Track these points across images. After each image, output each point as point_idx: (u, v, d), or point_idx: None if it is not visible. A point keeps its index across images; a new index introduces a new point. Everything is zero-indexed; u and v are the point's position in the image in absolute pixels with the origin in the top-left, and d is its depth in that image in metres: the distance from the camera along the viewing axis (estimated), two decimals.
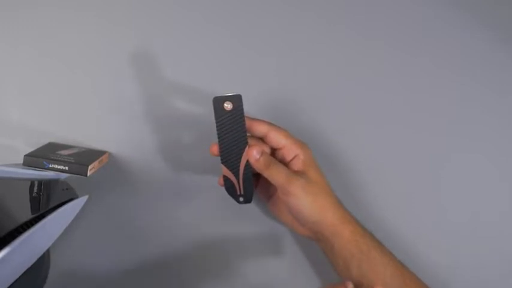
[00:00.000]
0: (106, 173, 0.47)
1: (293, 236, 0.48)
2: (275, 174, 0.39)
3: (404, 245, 0.46)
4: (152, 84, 0.48)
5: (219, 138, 0.39)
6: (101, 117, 0.48)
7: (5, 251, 0.31)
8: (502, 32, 0.49)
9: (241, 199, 0.42)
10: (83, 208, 0.43)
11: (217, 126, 0.39)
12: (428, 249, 0.47)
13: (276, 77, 0.49)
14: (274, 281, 0.48)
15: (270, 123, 0.41)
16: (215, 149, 0.40)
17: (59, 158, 0.42)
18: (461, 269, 0.47)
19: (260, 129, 0.40)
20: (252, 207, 0.48)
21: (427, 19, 0.49)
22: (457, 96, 0.49)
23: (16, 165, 0.41)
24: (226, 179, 0.41)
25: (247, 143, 0.39)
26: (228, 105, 0.38)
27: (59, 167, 0.41)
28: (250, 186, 0.41)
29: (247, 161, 0.40)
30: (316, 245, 0.43)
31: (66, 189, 0.45)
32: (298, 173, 0.40)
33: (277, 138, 0.40)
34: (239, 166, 0.40)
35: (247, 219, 0.48)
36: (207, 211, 0.48)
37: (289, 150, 0.41)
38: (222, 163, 0.40)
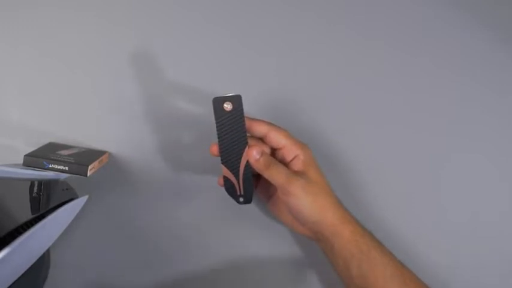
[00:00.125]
0: (106, 173, 0.47)
1: (293, 236, 0.48)
2: (275, 175, 0.39)
3: (404, 245, 0.46)
4: (152, 84, 0.48)
5: (219, 138, 0.39)
6: (101, 117, 0.48)
7: (5, 251, 0.31)
8: (502, 32, 0.49)
9: (241, 199, 0.42)
10: (83, 208, 0.43)
11: (217, 127, 0.39)
12: (428, 249, 0.47)
13: (276, 77, 0.49)
14: (274, 281, 0.48)
15: (270, 123, 0.41)
16: (215, 149, 0.40)
17: (59, 158, 0.42)
18: (461, 269, 0.47)
19: (260, 129, 0.40)
20: (252, 207, 0.48)
21: (427, 19, 0.49)
22: (457, 96, 0.49)
23: (16, 165, 0.41)
24: (226, 179, 0.41)
25: (247, 143, 0.39)
26: (227, 106, 0.38)
27: (59, 167, 0.41)
28: (250, 187, 0.41)
29: (247, 161, 0.40)
30: (316, 245, 0.43)
31: (66, 189, 0.45)
32: (298, 173, 0.40)
33: (277, 139, 0.40)
34: (239, 166, 0.40)
35: (247, 219, 0.48)
36: (207, 211, 0.48)
37: (289, 150, 0.41)
38: (222, 163, 0.40)
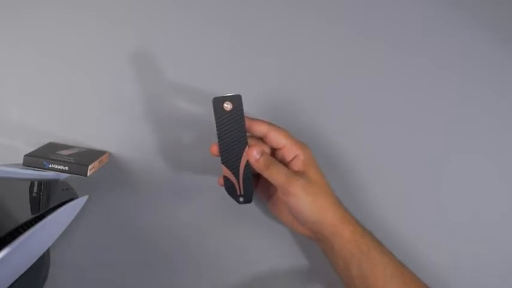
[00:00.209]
0: (106, 173, 0.47)
1: (293, 236, 0.48)
2: (275, 175, 0.39)
3: (404, 245, 0.46)
4: (152, 84, 0.48)
5: (219, 138, 0.39)
6: (101, 117, 0.48)
7: (5, 251, 0.31)
8: (502, 32, 0.49)
9: (241, 199, 0.42)
10: (83, 208, 0.43)
11: (217, 127, 0.39)
12: (428, 249, 0.47)
13: (276, 77, 0.49)
14: (274, 281, 0.48)
15: (270, 123, 0.41)
16: (215, 149, 0.40)
17: (59, 158, 0.42)
18: (461, 269, 0.47)
19: (260, 129, 0.40)
20: (252, 207, 0.48)
21: (427, 19, 0.49)
22: (457, 96, 0.49)
23: (16, 165, 0.41)
24: (226, 179, 0.41)
25: (247, 143, 0.39)
26: (227, 106, 0.38)
27: (59, 167, 0.41)
28: (250, 187, 0.41)
29: (247, 161, 0.40)
30: (316, 245, 0.43)
31: (66, 189, 0.45)
32: (298, 173, 0.40)
33: (277, 138, 0.40)
34: (239, 166, 0.40)
35: (247, 219, 0.48)
36: (207, 211, 0.48)
37: (289, 150, 0.41)
38: (222, 163, 0.40)
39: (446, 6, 0.49)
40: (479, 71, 0.49)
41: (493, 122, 0.48)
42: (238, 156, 0.40)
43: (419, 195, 0.48)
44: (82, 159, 0.43)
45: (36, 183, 0.42)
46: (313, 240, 0.43)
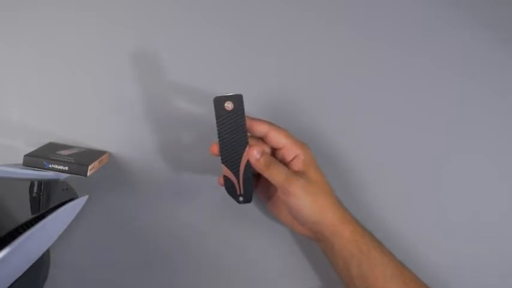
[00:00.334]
0: (106, 173, 0.47)
1: (293, 236, 0.48)
2: (275, 174, 0.39)
3: (404, 245, 0.46)
4: (152, 84, 0.48)
5: (219, 138, 0.39)
6: (101, 117, 0.48)
7: (5, 251, 0.31)
8: (502, 32, 0.49)
9: (241, 199, 0.42)
10: (83, 208, 0.43)
11: (217, 126, 0.39)
12: (428, 249, 0.47)
13: (276, 77, 0.49)
14: (274, 281, 0.48)
15: (270, 123, 0.41)
16: (215, 148, 0.40)
17: (59, 158, 0.42)
18: (461, 269, 0.47)
19: (260, 129, 0.40)
20: (251, 207, 0.48)
21: (427, 19, 0.49)
22: (457, 96, 0.49)
23: (16, 165, 0.41)
24: (226, 179, 0.41)
25: (247, 142, 0.39)
26: (228, 105, 0.38)
27: (59, 167, 0.41)
28: (250, 186, 0.41)
29: (248, 160, 0.40)
30: (316, 245, 0.43)
31: (66, 189, 0.45)
32: (299, 173, 0.40)
33: (278, 138, 0.40)
34: (239, 166, 0.40)
35: (247, 220, 0.48)
36: (207, 211, 0.48)
37: (290, 150, 0.41)
38: (222, 163, 0.40)
39: (446, 6, 0.49)
40: (479, 71, 0.49)
41: (493, 122, 0.48)
42: (238, 156, 0.40)
43: (419, 195, 0.48)
44: (82, 159, 0.43)
45: (36, 183, 0.42)
46: (313, 240, 0.43)
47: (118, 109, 0.48)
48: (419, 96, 0.49)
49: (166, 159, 0.48)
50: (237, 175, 0.40)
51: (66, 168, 0.41)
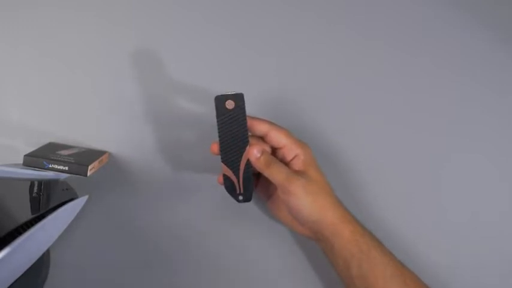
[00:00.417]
0: (106, 173, 0.47)
1: (293, 236, 0.48)
2: (275, 174, 0.39)
3: (404, 245, 0.46)
4: (152, 84, 0.48)
5: (219, 136, 0.39)
6: (101, 117, 0.48)
7: (5, 251, 0.31)
8: (502, 32, 0.49)
9: (240, 198, 0.41)
10: (83, 208, 0.43)
11: (218, 125, 0.39)
12: (428, 249, 0.47)
13: (276, 77, 0.49)
14: (274, 281, 0.48)
15: (270, 123, 0.41)
16: (215, 147, 0.40)
17: (59, 158, 0.42)
18: (461, 269, 0.47)
19: (261, 128, 0.40)
20: (251, 207, 0.48)
21: (427, 19, 0.49)
22: (457, 96, 0.49)
23: (16, 165, 0.41)
24: (226, 178, 0.41)
25: (248, 141, 0.39)
26: (229, 104, 0.38)
27: (59, 167, 0.41)
28: (250, 185, 0.41)
29: (248, 159, 0.40)
30: (316, 245, 0.43)
31: (66, 189, 0.45)
32: (299, 173, 0.40)
33: (278, 138, 0.40)
34: (239, 165, 0.40)
35: (247, 219, 0.48)
36: (207, 211, 0.48)
37: (290, 149, 0.41)
38: (222, 162, 0.40)
39: (446, 6, 0.49)
40: (479, 71, 0.49)
41: (493, 122, 0.48)
42: (238, 155, 0.40)
43: (419, 195, 0.48)
44: (82, 159, 0.43)
45: (36, 183, 0.42)
46: (313, 240, 0.43)
47: (118, 109, 0.48)
48: (419, 96, 0.49)
49: (167, 159, 0.48)
50: (237, 174, 0.40)
51: (66, 168, 0.41)
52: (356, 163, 0.48)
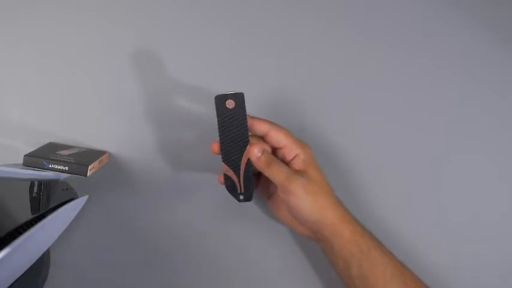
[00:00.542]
0: (106, 173, 0.47)
1: (293, 236, 0.48)
2: (276, 173, 0.39)
3: (404, 245, 0.46)
4: (152, 84, 0.48)
5: (220, 136, 0.39)
6: (101, 117, 0.48)
7: (5, 251, 0.31)
8: (502, 32, 0.49)
9: (241, 197, 0.42)
10: (83, 208, 0.43)
11: (218, 124, 0.39)
12: (428, 249, 0.47)
13: (276, 77, 0.49)
14: (274, 281, 0.48)
15: (270, 122, 0.41)
16: (216, 147, 0.40)
17: (59, 158, 0.42)
18: (461, 269, 0.47)
19: (261, 128, 0.40)
20: (252, 206, 0.48)
21: (427, 19, 0.49)
22: (457, 96, 0.49)
23: (16, 165, 0.41)
24: (226, 177, 0.41)
25: (248, 141, 0.39)
26: (230, 104, 0.38)
27: (59, 167, 0.41)
28: (250, 185, 0.41)
29: (248, 159, 0.40)
30: (316, 245, 0.43)
31: (66, 189, 0.45)
32: (299, 173, 0.40)
33: (278, 137, 0.40)
34: (240, 164, 0.40)
35: (247, 219, 0.48)
36: (207, 211, 0.48)
37: (290, 149, 0.41)
38: (223, 161, 0.40)
39: (446, 6, 0.49)
40: (479, 71, 0.49)
41: (493, 122, 0.48)
42: (239, 154, 0.40)
43: (419, 195, 0.48)
44: (82, 159, 0.43)
45: (36, 183, 0.42)
46: (313, 240, 0.43)
47: (118, 109, 0.48)
48: (419, 96, 0.49)
49: (167, 159, 0.48)
50: (237, 173, 0.40)
51: (66, 168, 0.41)
52: (356, 163, 0.48)
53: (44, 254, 0.40)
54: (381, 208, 0.48)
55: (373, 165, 0.48)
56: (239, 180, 0.41)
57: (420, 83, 0.49)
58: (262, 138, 0.41)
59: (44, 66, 0.48)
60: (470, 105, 0.49)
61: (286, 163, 0.41)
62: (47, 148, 0.45)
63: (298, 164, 0.40)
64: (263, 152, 0.39)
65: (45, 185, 0.42)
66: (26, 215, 0.38)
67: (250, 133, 0.40)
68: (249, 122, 0.40)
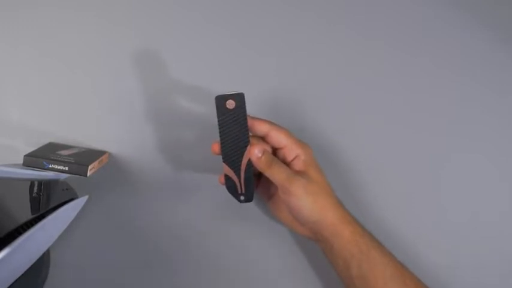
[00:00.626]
0: (106, 173, 0.47)
1: (293, 236, 0.48)
2: (276, 174, 0.39)
3: (404, 245, 0.46)
4: (152, 84, 0.48)
5: (220, 136, 0.39)
6: (101, 117, 0.48)
7: (5, 251, 0.31)
8: (502, 32, 0.49)
9: (242, 198, 0.42)
10: (83, 208, 0.43)
11: (219, 125, 0.39)
12: (428, 249, 0.47)
13: (276, 77, 0.49)
14: (274, 281, 0.48)
15: (271, 123, 0.41)
16: (216, 147, 0.40)
17: (59, 158, 0.42)
18: (461, 269, 0.47)
19: (261, 128, 0.40)
20: (252, 207, 0.48)
21: (427, 19, 0.49)
22: (457, 96, 0.49)
23: (16, 165, 0.41)
24: (227, 178, 0.41)
25: (249, 141, 0.39)
26: (230, 104, 0.38)
27: (59, 167, 0.41)
28: (251, 185, 0.41)
29: (249, 159, 0.40)
30: (316, 245, 0.43)
31: (66, 189, 0.45)
32: (299, 173, 0.40)
33: (278, 138, 0.40)
34: (240, 165, 0.40)
35: (248, 219, 0.48)
36: (207, 211, 0.48)
37: (290, 150, 0.41)
38: (224, 162, 0.40)
39: (446, 6, 0.49)
40: (479, 71, 0.49)
41: (493, 122, 0.48)
42: (240, 155, 0.40)
43: (419, 195, 0.48)
44: (82, 159, 0.43)
45: (36, 183, 0.42)
46: (313, 241, 0.43)
47: (118, 109, 0.48)
48: (419, 96, 0.49)
49: (167, 159, 0.48)
50: (238, 174, 0.40)
51: (66, 168, 0.41)
52: (356, 163, 0.48)
53: (44, 254, 0.40)
54: (381, 208, 0.48)
55: (373, 165, 0.48)
56: (240, 181, 0.41)
57: (420, 83, 0.49)
58: (263, 138, 0.41)
59: (44, 66, 0.48)
60: (470, 105, 0.49)
61: (287, 164, 0.41)
62: (47, 148, 0.45)
63: (298, 165, 0.40)
64: (263, 152, 0.39)
65: (45, 185, 0.42)
66: (26, 215, 0.38)
67: (250, 133, 0.40)
68: (249, 122, 0.40)
